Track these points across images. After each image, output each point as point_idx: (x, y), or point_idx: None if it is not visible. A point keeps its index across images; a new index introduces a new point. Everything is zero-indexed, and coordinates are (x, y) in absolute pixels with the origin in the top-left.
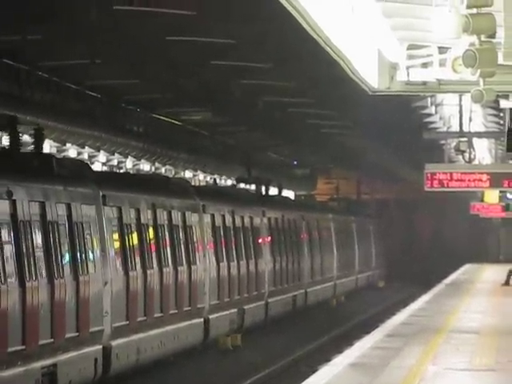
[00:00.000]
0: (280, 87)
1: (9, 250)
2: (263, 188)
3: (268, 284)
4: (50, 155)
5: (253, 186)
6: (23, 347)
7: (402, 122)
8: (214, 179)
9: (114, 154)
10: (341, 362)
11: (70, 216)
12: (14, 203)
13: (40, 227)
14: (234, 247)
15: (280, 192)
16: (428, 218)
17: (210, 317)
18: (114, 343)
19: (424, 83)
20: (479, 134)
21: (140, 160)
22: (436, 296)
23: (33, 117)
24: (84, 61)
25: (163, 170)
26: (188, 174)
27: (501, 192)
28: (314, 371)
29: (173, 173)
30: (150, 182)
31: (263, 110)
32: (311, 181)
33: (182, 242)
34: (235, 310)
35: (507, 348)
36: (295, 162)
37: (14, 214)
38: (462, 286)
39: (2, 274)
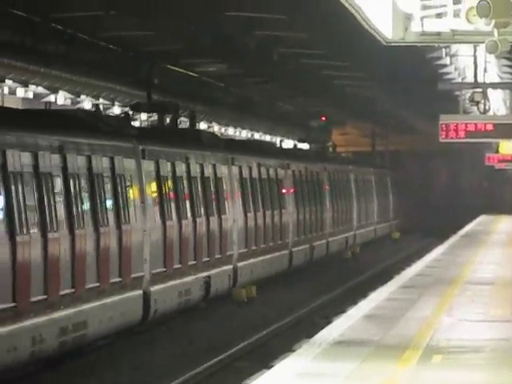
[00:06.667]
0: (294, 38)
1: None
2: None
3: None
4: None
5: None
6: (195, 262)
7: (416, 73)
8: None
9: (127, 106)
10: (355, 313)
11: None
12: (190, 164)
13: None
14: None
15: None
16: (443, 169)
17: (293, 249)
18: (239, 264)
19: (438, 34)
20: (494, 85)
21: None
22: (451, 247)
23: (47, 68)
24: (98, 12)
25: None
26: (203, 126)
27: None
28: (328, 323)
29: (187, 124)
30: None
31: (277, 62)
32: (326, 132)
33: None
34: (307, 245)
35: None
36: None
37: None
38: (477, 237)
39: (172, 214)
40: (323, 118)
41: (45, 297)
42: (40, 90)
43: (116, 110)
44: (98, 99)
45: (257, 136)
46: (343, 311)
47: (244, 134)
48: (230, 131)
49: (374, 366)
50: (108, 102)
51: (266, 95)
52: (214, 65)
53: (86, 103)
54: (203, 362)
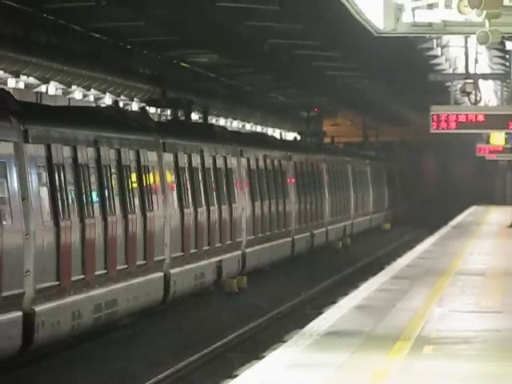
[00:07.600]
0: (286, 29)
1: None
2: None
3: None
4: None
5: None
6: (208, 247)
7: (407, 64)
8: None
9: (119, 96)
10: (346, 304)
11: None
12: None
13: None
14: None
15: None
16: (435, 160)
17: (295, 237)
18: (247, 250)
19: (430, 24)
20: (485, 76)
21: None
22: (442, 238)
23: (38, 59)
24: (90, 3)
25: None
26: (195, 117)
27: (507, 134)
28: (319, 313)
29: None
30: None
31: (269, 53)
32: (318, 124)
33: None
34: (308, 233)
35: None
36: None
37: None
38: (468, 227)
39: (201, 201)
40: (316, 110)
41: (82, 276)
42: (31, 80)
43: (107, 101)
44: (89, 90)
45: (248, 127)
46: (334, 302)
47: (235, 124)
48: (221, 122)
49: (365, 357)
50: (99, 93)
51: (257, 86)
52: (205, 55)
53: (77, 93)
54: (194, 352)
